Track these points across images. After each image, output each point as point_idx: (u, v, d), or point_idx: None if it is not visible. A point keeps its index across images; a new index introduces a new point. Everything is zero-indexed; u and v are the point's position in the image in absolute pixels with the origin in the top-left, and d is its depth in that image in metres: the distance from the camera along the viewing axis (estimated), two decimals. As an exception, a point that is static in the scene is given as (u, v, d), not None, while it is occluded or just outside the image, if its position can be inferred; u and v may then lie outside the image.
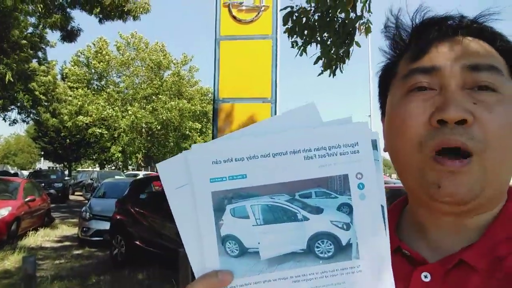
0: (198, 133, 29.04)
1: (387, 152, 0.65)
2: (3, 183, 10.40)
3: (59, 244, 8.98)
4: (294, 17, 4.35)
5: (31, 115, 20.95)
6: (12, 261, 6.98)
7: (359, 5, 4.11)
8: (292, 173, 0.50)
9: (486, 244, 0.54)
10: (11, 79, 12.23)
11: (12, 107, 18.82)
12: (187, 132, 27.79)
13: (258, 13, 10.15)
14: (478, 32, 0.58)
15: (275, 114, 9.79)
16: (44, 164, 59.77)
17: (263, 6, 10.11)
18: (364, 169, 0.49)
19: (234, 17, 10.22)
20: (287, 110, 0.53)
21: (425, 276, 0.55)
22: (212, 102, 11.94)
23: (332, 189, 0.50)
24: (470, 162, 0.51)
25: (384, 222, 0.48)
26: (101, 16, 11.63)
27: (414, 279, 0.55)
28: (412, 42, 0.61)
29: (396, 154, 0.59)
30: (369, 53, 25.25)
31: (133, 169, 34.23)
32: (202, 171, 0.50)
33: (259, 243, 0.50)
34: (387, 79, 0.65)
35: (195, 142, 28.91)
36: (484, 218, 0.56)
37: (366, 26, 4.20)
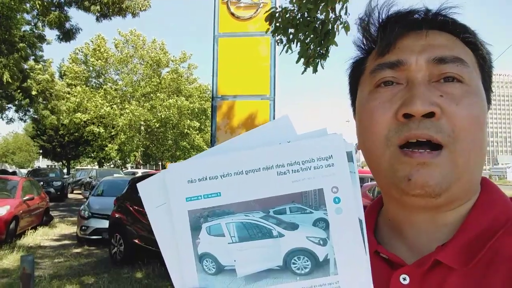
0: (197, 131, 29.02)
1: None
2: (1, 181, 10.36)
3: (58, 243, 8.96)
4: (277, 16, 4.63)
5: (28, 113, 20.90)
6: (10, 260, 6.96)
7: (338, 7, 4.37)
8: (265, 190, 0.49)
9: (461, 241, 0.52)
10: (9, 80, 12.17)
11: (10, 105, 18.77)
12: (186, 130, 27.77)
13: (257, 10, 10.11)
14: (443, 24, 0.57)
15: (274, 111, 9.78)
16: (42, 163, 59.74)
17: (262, 2, 10.08)
18: (340, 183, 0.48)
19: (232, 14, 10.19)
20: (262, 125, 0.53)
21: (404, 279, 0.54)
22: (210, 100, 11.94)
23: (307, 204, 0.49)
24: (440, 154, 0.50)
25: (363, 236, 0.47)
26: (98, 14, 11.58)
27: (393, 283, 0.54)
28: (379, 38, 0.60)
29: (367, 152, 0.58)
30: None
31: (131, 167, 34.23)
32: (178, 190, 0.50)
33: (235, 260, 0.50)
34: (356, 75, 0.65)
35: (193, 140, 28.94)
36: (458, 213, 0.55)
37: (345, 25, 4.38)
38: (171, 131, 28.44)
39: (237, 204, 0.50)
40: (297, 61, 4.74)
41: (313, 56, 4.66)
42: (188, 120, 27.33)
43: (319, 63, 4.78)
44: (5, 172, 20.13)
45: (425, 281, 0.53)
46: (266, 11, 4.83)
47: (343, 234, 0.48)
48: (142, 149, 30.18)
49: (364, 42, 0.64)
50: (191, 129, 27.83)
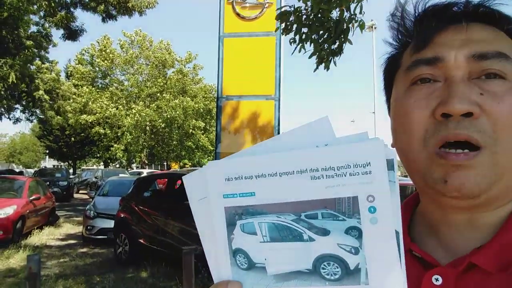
0: (202, 131, 29.05)
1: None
2: (8, 181, 10.44)
3: (64, 243, 9.00)
4: (291, 17, 4.56)
5: (35, 114, 21.01)
6: (17, 259, 7.01)
7: (352, 6, 4.30)
8: (298, 193, 0.49)
9: (499, 243, 0.50)
10: (14, 80, 12.26)
11: (17, 106, 18.89)
12: (191, 131, 27.82)
13: (262, 10, 10.11)
14: (485, 17, 0.54)
15: (279, 111, 9.77)
16: (49, 163, 60.10)
17: (267, 2, 10.07)
18: (377, 192, 0.46)
19: (237, 14, 10.19)
20: (300, 125, 0.52)
21: (436, 279, 0.52)
22: (215, 100, 11.95)
23: (340, 211, 0.48)
24: (478, 155, 0.48)
25: (399, 250, 0.45)
26: (104, 14, 11.63)
27: (424, 283, 0.52)
28: (416, 32, 0.58)
29: (402, 151, 0.56)
30: (373, 50, 25.14)
31: (137, 167, 34.35)
32: (216, 187, 0.52)
33: (265, 259, 0.51)
34: (391, 71, 0.62)
35: (198, 140, 28.98)
36: (498, 215, 0.52)
37: (361, 23, 4.35)
38: (176, 131, 28.50)
39: (270, 205, 0.50)
40: (310, 57, 4.73)
41: (328, 54, 4.65)
42: (194, 120, 27.38)
43: (332, 60, 4.77)
44: (12, 172, 20.27)
45: (459, 284, 0.50)
46: (280, 9, 4.77)
47: (377, 245, 0.46)
48: (148, 149, 30.27)
49: (400, 36, 0.61)
50: (196, 129, 27.88)
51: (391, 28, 0.62)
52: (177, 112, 26.25)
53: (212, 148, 29.03)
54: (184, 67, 29.32)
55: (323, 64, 4.75)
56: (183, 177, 0.55)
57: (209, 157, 31.87)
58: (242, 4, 10.21)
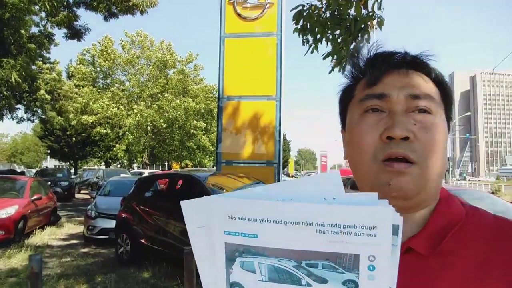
0: (203, 132, 29.05)
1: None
2: (10, 181, 10.47)
3: (65, 243, 9.02)
4: (305, 15, 4.38)
5: (37, 114, 21.05)
6: (18, 259, 7.02)
7: (370, 2, 4.17)
8: (301, 243, 0.51)
9: (427, 232, 0.67)
10: (19, 80, 12.27)
11: (19, 106, 18.92)
12: (192, 131, 27.82)
13: (263, 10, 10.11)
14: (419, 66, 0.73)
15: (280, 111, 9.77)
16: (50, 163, 60.20)
17: (268, 3, 10.08)
18: (378, 253, 0.48)
19: (238, 15, 10.19)
20: (310, 176, 0.57)
21: None
22: (217, 100, 11.94)
23: (341, 264, 0.50)
24: (412, 167, 0.65)
25: None
26: (106, 13, 11.63)
27: None
28: (367, 71, 0.75)
29: (355, 163, 0.72)
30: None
31: (138, 168, 34.37)
32: (218, 222, 0.54)
33: None
34: (345, 99, 0.78)
35: (199, 141, 28.99)
36: (423, 213, 0.70)
37: (379, 20, 4.21)
38: (178, 132, 28.51)
39: (272, 249, 0.52)
40: (324, 58, 4.53)
41: (346, 55, 4.43)
42: (195, 121, 27.39)
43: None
44: (13, 172, 20.31)
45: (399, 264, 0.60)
46: (295, 9, 4.53)
47: None
48: (149, 149, 30.29)
49: (354, 73, 0.78)
50: (197, 130, 27.88)
51: (349, 64, 0.79)
52: (178, 112, 26.25)
53: (213, 149, 29.03)
54: (185, 67, 29.31)
55: (338, 66, 4.56)
56: (181, 202, 0.56)
57: (210, 157, 31.89)
58: (243, 5, 10.21)
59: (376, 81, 0.71)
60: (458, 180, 79.83)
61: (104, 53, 28.04)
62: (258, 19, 10.15)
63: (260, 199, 0.53)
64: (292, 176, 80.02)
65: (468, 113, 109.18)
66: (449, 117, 0.73)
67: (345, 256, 0.49)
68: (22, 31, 12.04)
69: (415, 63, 0.73)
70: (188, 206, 0.56)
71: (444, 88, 0.74)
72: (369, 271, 0.49)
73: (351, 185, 12.60)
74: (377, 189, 0.65)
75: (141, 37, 28.77)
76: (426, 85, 0.70)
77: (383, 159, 0.66)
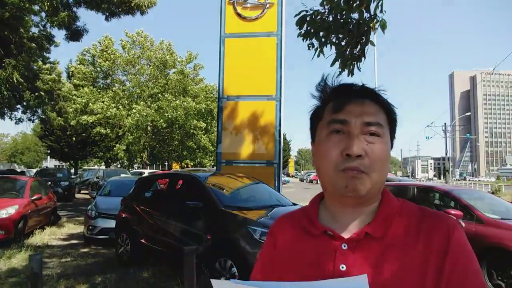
0: (203, 132, 29.04)
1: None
2: (10, 181, 10.47)
3: (65, 243, 9.02)
4: (308, 20, 4.38)
5: (36, 114, 21.04)
6: (18, 259, 7.02)
7: (372, 6, 4.16)
8: None
9: (377, 222, 0.90)
10: (20, 79, 12.26)
11: (18, 106, 18.91)
12: (192, 131, 27.81)
13: (263, 10, 10.11)
14: (373, 96, 0.94)
15: (280, 111, 9.76)
16: (50, 163, 60.18)
17: (268, 3, 10.08)
18: None
19: (239, 15, 10.19)
20: (337, 280, 0.77)
21: (344, 246, 0.90)
22: (217, 100, 11.93)
23: None
24: (362, 175, 0.87)
25: None
26: (107, 13, 11.62)
27: (338, 249, 0.90)
28: (332, 97, 0.97)
29: (321, 170, 0.94)
30: (374, 51, 25.10)
31: (138, 167, 34.37)
32: None
33: None
34: (315, 119, 1.00)
35: (200, 141, 28.98)
36: (372, 207, 0.94)
37: (381, 23, 4.22)
38: (177, 132, 28.50)
39: None
40: (332, 65, 4.58)
41: (350, 58, 4.50)
42: (195, 121, 27.38)
43: (356, 65, 4.63)
44: (13, 172, 20.31)
45: (357, 246, 0.89)
46: (298, 15, 4.54)
47: None
48: (149, 149, 30.29)
49: (322, 97, 1.00)
50: (197, 130, 27.88)
51: (316, 90, 1.01)
52: (178, 112, 26.24)
53: (213, 149, 29.04)
54: (185, 67, 29.31)
55: (346, 69, 4.58)
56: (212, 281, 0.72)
57: (210, 157, 31.90)
58: (243, 5, 10.21)
59: (339, 109, 0.92)
60: (458, 180, 79.78)
61: (105, 53, 28.05)
62: (258, 19, 10.14)
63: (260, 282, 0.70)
64: (292, 176, 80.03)
65: (468, 113, 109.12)
66: (392, 136, 0.97)
67: None
68: (22, 30, 12.03)
69: (370, 94, 0.94)
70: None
71: (391, 114, 0.96)
72: None
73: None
74: (337, 190, 0.90)
75: (142, 37, 28.78)
76: (378, 114, 0.92)
77: (342, 169, 0.88)
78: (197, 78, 30.69)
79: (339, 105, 0.93)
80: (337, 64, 4.61)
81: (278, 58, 9.95)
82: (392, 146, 0.97)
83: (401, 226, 0.89)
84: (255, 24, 10.17)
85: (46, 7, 10.58)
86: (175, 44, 29.68)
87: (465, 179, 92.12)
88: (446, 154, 42.59)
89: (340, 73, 4.65)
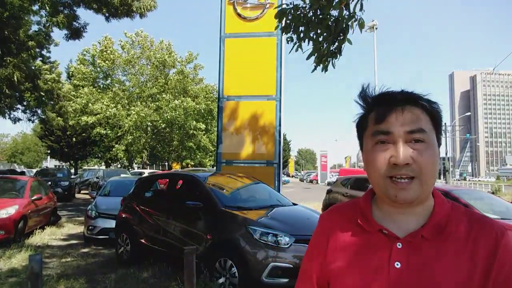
0: (203, 132, 29.03)
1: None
2: (10, 181, 10.46)
3: (65, 243, 9.02)
4: (289, 15, 4.45)
5: (36, 114, 21.01)
6: (18, 259, 7.01)
7: (352, 4, 4.20)
8: None
9: (430, 225, 0.95)
10: (20, 78, 12.26)
11: (18, 106, 18.89)
12: (192, 131, 27.79)
13: (263, 10, 10.12)
14: (413, 101, 0.97)
15: (280, 111, 9.77)
16: (50, 163, 60.17)
17: (268, 3, 10.08)
18: None
19: (239, 15, 10.20)
20: None
21: (399, 245, 0.95)
22: (217, 100, 11.93)
23: None
24: (412, 182, 0.92)
25: None
26: (107, 14, 11.63)
27: (394, 248, 0.95)
28: (375, 105, 1.00)
29: (371, 176, 0.99)
30: (374, 50, 25.08)
31: (138, 167, 34.36)
32: None
33: None
34: (361, 129, 1.05)
35: (199, 141, 28.98)
36: (423, 208, 0.98)
37: (360, 22, 4.26)
38: (177, 132, 28.49)
39: None
40: (308, 58, 4.62)
41: (326, 55, 4.53)
42: (194, 121, 27.36)
43: (331, 62, 4.66)
44: (13, 172, 20.30)
45: (410, 246, 0.94)
46: (275, 8, 4.65)
47: None
48: (149, 149, 30.27)
49: (365, 105, 1.03)
50: (197, 130, 27.85)
51: (359, 99, 1.04)
52: (177, 113, 26.21)
53: (213, 149, 29.03)
54: (185, 67, 29.29)
55: (321, 65, 4.64)
56: None
57: (210, 157, 31.90)
58: (243, 5, 10.21)
59: (382, 119, 0.96)
60: (458, 180, 79.74)
61: (104, 53, 28.04)
62: (258, 19, 10.15)
63: None
64: (292, 176, 79.92)
65: (468, 113, 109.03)
66: (439, 137, 0.99)
67: None
68: (20, 31, 12.02)
69: (410, 99, 0.97)
70: None
71: (434, 115, 0.98)
72: None
73: (351, 185, 12.61)
74: (388, 197, 0.95)
75: (141, 37, 28.76)
76: (419, 120, 0.95)
77: (390, 176, 0.93)
78: (197, 78, 30.67)
79: (380, 116, 0.97)
80: (313, 58, 4.67)
81: (278, 58, 9.95)
82: (439, 144, 1.00)
83: (452, 230, 0.95)
84: (255, 24, 10.17)
85: (47, 7, 10.58)
86: (175, 44, 29.63)
87: (465, 179, 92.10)
88: (446, 154, 42.59)
89: (315, 68, 4.72)
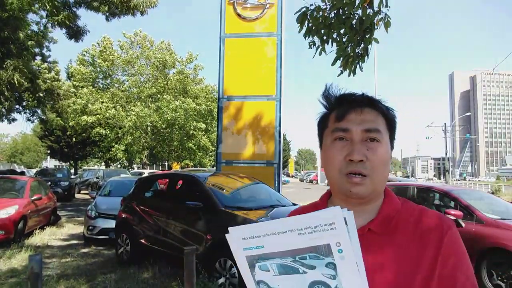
0: (203, 132, 29.00)
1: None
2: (10, 181, 10.47)
3: (65, 243, 9.02)
4: (308, 17, 4.22)
5: (36, 114, 21.01)
6: (18, 259, 7.01)
7: (376, 1, 4.01)
8: (291, 244, 0.77)
9: (379, 219, 1.00)
10: (22, 80, 12.24)
11: (17, 106, 18.88)
12: (192, 131, 27.76)
13: (263, 10, 10.12)
14: (372, 104, 1.03)
15: (280, 111, 9.77)
16: (50, 163, 60.16)
17: (268, 3, 10.08)
18: (341, 239, 0.73)
19: (239, 15, 10.20)
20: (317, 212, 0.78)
21: None
22: (217, 100, 11.93)
23: (320, 253, 0.75)
24: (365, 179, 0.96)
25: (359, 272, 0.74)
26: (107, 13, 11.62)
27: None
28: (335, 106, 1.06)
29: (328, 173, 1.04)
30: (374, 50, 25.07)
31: (138, 168, 34.34)
32: (238, 243, 0.83)
33: (278, 285, 0.81)
34: (322, 127, 1.10)
35: (199, 141, 28.95)
36: (374, 205, 1.03)
37: (385, 21, 4.07)
38: (177, 132, 28.47)
39: (274, 253, 0.79)
40: (333, 64, 4.38)
41: (352, 57, 4.28)
42: (194, 122, 27.34)
43: (358, 64, 4.42)
44: (13, 172, 20.29)
45: (360, 240, 0.89)
46: (299, 11, 4.31)
47: (346, 272, 0.74)
48: (148, 149, 30.26)
49: (327, 105, 1.09)
50: (197, 130, 27.83)
51: (322, 98, 1.10)
52: (178, 113, 26.18)
53: (213, 149, 29.01)
54: (185, 67, 29.27)
55: (347, 69, 4.35)
56: (228, 232, 0.83)
57: (210, 158, 31.87)
58: (243, 5, 10.21)
59: (341, 117, 1.02)
60: (458, 180, 79.75)
61: (103, 53, 28.03)
62: (258, 19, 10.15)
63: (259, 223, 0.80)
64: (292, 176, 79.93)
65: (468, 113, 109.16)
66: (392, 139, 1.07)
67: (322, 247, 0.75)
68: (19, 31, 12.00)
69: (369, 102, 1.03)
70: (231, 235, 0.83)
71: (390, 122, 1.05)
72: (339, 253, 0.74)
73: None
74: (343, 192, 1.00)
75: (140, 37, 28.74)
76: (376, 120, 1.01)
77: (346, 173, 0.98)
78: (197, 78, 30.66)
79: (341, 114, 1.02)
80: (339, 63, 4.41)
81: (278, 58, 9.95)
82: (392, 148, 1.07)
83: (400, 223, 1.00)
84: (255, 24, 10.17)
85: (48, 7, 10.56)
86: (174, 44, 29.63)
87: (465, 179, 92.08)
88: (446, 154, 42.55)
89: (341, 72, 4.46)
